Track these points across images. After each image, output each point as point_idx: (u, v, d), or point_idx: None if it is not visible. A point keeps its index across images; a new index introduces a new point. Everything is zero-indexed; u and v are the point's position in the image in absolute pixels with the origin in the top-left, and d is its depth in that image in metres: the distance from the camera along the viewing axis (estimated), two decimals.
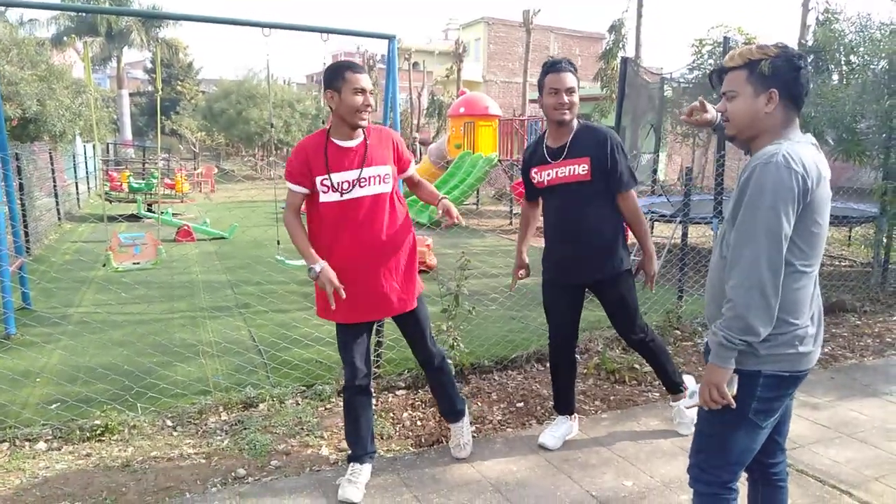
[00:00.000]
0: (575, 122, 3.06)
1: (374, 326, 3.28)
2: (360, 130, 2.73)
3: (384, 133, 2.86)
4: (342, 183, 2.67)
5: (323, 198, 2.69)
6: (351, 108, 2.62)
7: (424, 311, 3.02)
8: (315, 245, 2.74)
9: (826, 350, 4.89)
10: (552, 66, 3.00)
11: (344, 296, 2.65)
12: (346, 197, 2.68)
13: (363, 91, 2.62)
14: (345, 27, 5.84)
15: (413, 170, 3.00)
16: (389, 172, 2.77)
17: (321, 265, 2.64)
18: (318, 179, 2.67)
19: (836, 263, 8.02)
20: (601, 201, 3.06)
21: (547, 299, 3.32)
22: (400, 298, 2.85)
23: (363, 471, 2.89)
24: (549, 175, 3.08)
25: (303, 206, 2.81)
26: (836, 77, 6.76)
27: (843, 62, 6.72)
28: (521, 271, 3.40)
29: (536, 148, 3.19)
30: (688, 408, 3.33)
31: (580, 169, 3.01)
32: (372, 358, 3.91)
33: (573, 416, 3.42)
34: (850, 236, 8.77)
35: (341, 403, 3.07)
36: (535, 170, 3.13)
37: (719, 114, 2.31)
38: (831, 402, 3.89)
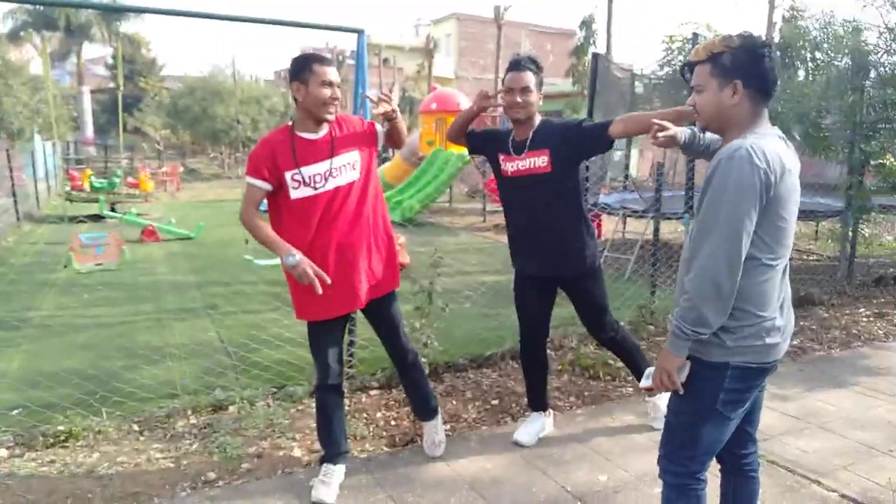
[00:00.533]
0: (537, 119, 3.06)
1: (347, 325, 3.24)
2: (322, 126, 2.68)
3: (345, 119, 2.80)
4: (314, 176, 2.62)
5: (294, 194, 2.63)
6: (318, 101, 2.57)
7: (397, 306, 3.00)
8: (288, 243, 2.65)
9: (795, 343, 4.99)
10: (512, 65, 3.02)
11: (329, 281, 2.56)
12: (319, 190, 2.63)
13: (330, 84, 2.58)
14: (313, 21, 5.73)
15: (381, 129, 2.91)
16: (358, 159, 2.73)
17: (299, 254, 2.54)
18: (289, 175, 2.61)
19: (805, 258, 8.22)
20: (564, 195, 3.05)
21: (517, 294, 3.32)
22: (381, 282, 2.84)
23: (336, 471, 2.85)
24: (513, 166, 3.08)
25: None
26: (801, 74, 6.90)
27: (808, 59, 6.87)
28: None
29: (504, 137, 3.16)
30: (642, 388, 3.36)
31: (540, 161, 3.00)
32: (344, 358, 3.88)
33: (547, 412, 3.42)
34: (817, 231, 8.98)
35: (313, 405, 3.02)
36: (502, 156, 3.12)
37: (687, 130, 2.33)
38: (800, 393, 3.97)
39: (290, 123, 2.71)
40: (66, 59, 30.96)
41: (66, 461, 3.10)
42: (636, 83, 8.89)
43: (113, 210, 11.94)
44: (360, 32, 5.40)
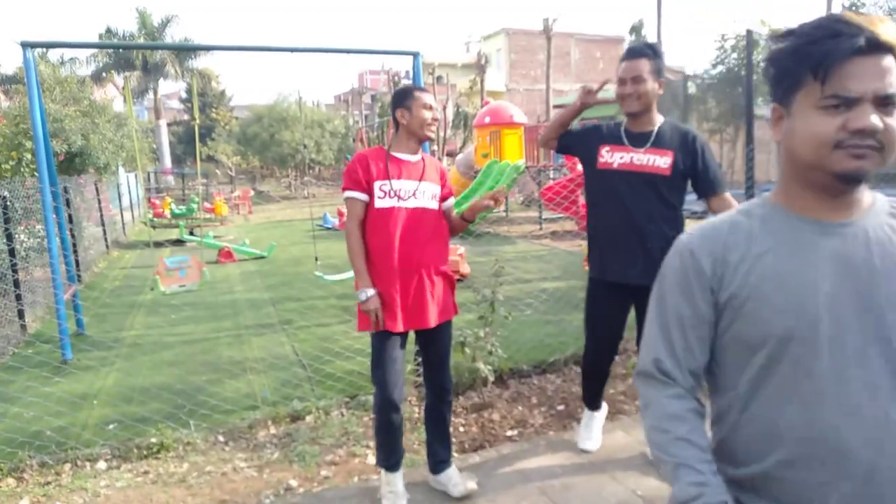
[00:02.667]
0: (657, 115, 2.88)
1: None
2: (419, 150, 2.86)
3: (434, 161, 2.97)
4: (400, 190, 2.73)
5: (379, 203, 2.70)
6: (421, 122, 2.77)
7: (451, 335, 2.99)
8: (373, 255, 2.74)
9: None
10: (626, 53, 2.82)
11: (382, 327, 2.71)
12: (402, 204, 2.72)
13: (430, 108, 2.80)
14: (369, 47, 5.95)
15: (451, 203, 2.96)
16: (438, 192, 2.85)
17: (371, 293, 2.68)
18: (378, 184, 2.71)
19: None
20: (671, 202, 2.84)
21: (591, 301, 3.08)
22: (442, 309, 2.85)
23: (398, 479, 2.89)
24: (622, 158, 2.83)
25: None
26: None
27: None
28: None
29: (612, 128, 2.95)
30: None
31: (662, 162, 2.78)
32: (412, 367, 3.99)
33: (601, 408, 3.39)
34: None
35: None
36: (606, 147, 2.88)
37: None
38: None
39: (388, 145, 2.86)
40: (144, 95, 32.91)
41: (159, 472, 3.32)
42: (689, 84, 8.71)
43: (192, 234, 12.61)
44: (416, 55, 5.60)
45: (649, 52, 2.77)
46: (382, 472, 2.91)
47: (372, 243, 2.74)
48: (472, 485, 2.93)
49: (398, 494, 2.85)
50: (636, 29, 16.76)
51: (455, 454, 3.35)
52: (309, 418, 3.85)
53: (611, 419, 3.61)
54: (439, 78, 26.63)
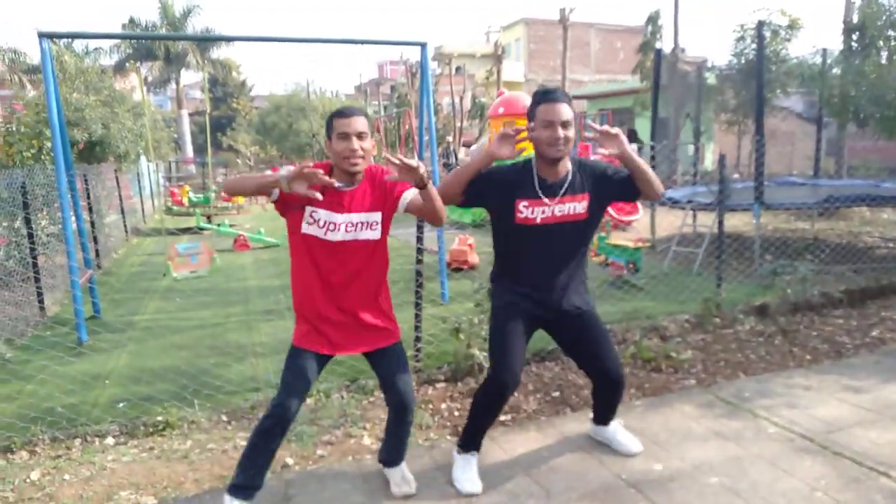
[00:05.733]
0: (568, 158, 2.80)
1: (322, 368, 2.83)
2: (357, 177, 2.58)
3: (378, 178, 2.65)
4: (329, 223, 2.55)
5: (305, 228, 2.57)
6: (337, 155, 2.51)
7: (398, 358, 2.79)
8: (295, 271, 2.70)
9: (874, 333, 4.77)
10: (544, 96, 2.69)
11: (320, 198, 2.42)
12: (328, 237, 2.57)
13: (347, 136, 2.47)
14: (382, 37, 6.04)
15: (411, 195, 2.62)
16: (378, 220, 2.63)
17: (285, 168, 2.44)
18: (308, 210, 2.54)
19: (891, 246, 7.72)
20: (587, 241, 2.92)
21: (501, 324, 2.87)
22: (377, 337, 2.73)
23: None
24: (544, 213, 2.76)
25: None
26: (885, 55, 6.53)
27: (892, 37, 6.49)
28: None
29: (523, 176, 2.79)
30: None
31: (580, 207, 2.78)
32: (411, 353, 4.07)
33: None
34: None
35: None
36: (524, 202, 2.75)
37: None
38: (875, 384, 3.81)
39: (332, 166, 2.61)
40: (167, 85, 33.35)
41: (164, 448, 3.45)
42: (707, 74, 8.64)
43: (209, 221, 12.82)
44: (423, 45, 5.68)
45: (567, 99, 2.70)
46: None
47: (295, 270, 2.65)
48: (407, 488, 2.89)
49: None
50: (653, 19, 16.59)
51: (447, 437, 3.44)
52: (309, 400, 3.95)
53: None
54: (457, 68, 26.61)
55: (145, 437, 3.59)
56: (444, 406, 3.84)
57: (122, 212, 12.05)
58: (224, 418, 3.79)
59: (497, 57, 23.19)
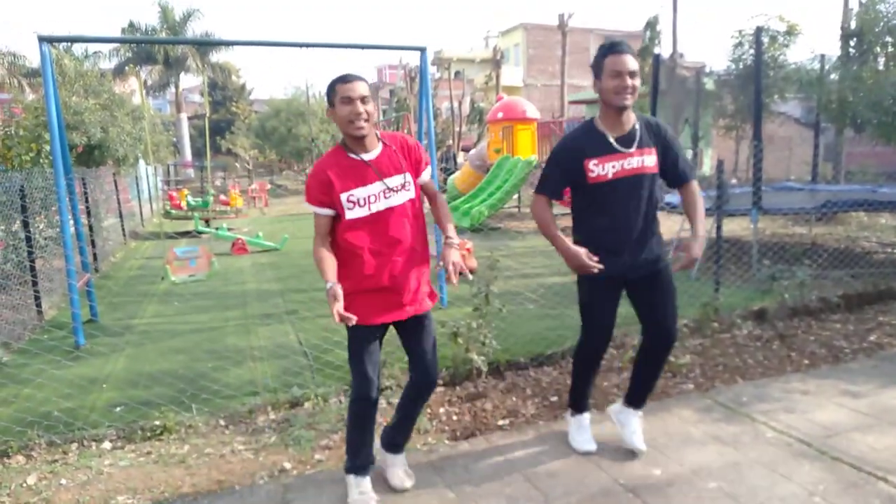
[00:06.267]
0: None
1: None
2: (375, 141, 2.66)
3: (398, 139, 2.78)
4: (368, 197, 2.61)
5: (349, 214, 2.62)
6: (342, 120, 2.56)
7: (433, 325, 2.89)
8: (346, 259, 2.68)
9: (871, 339, 4.77)
10: (611, 48, 2.79)
11: (353, 321, 2.46)
12: (373, 210, 2.62)
13: (351, 100, 2.51)
14: (381, 42, 6.07)
15: (427, 176, 2.81)
16: (410, 179, 2.72)
17: (331, 284, 2.52)
18: (344, 196, 2.60)
19: (888, 251, 7.73)
20: (657, 197, 2.96)
21: (591, 299, 3.05)
22: (419, 300, 2.79)
23: (367, 483, 2.83)
24: (614, 168, 2.83)
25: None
26: (881, 60, 6.56)
27: (888, 44, 6.52)
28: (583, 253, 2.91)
29: (590, 136, 2.89)
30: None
31: (649, 160, 2.85)
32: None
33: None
34: None
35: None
36: (593, 161, 2.83)
37: None
38: (873, 389, 3.81)
39: (341, 144, 2.69)
40: (166, 89, 33.39)
41: (161, 452, 3.44)
42: (705, 80, 8.66)
43: (207, 225, 12.82)
44: (422, 50, 5.69)
45: (632, 50, 2.81)
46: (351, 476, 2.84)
47: (354, 250, 2.66)
48: (409, 483, 2.93)
49: (370, 497, 2.79)
50: (651, 24, 16.64)
51: (445, 441, 3.44)
52: (307, 405, 3.96)
53: (602, 410, 3.66)
54: (457, 73, 26.67)
55: (143, 442, 3.59)
56: (442, 410, 3.83)
57: (121, 215, 12.04)
58: (222, 422, 3.79)
59: (496, 62, 23.26)
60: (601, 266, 2.83)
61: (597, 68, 2.83)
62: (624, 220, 2.89)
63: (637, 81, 2.79)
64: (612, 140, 2.84)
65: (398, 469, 2.96)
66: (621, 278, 2.98)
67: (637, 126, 2.88)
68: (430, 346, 2.83)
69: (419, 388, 2.87)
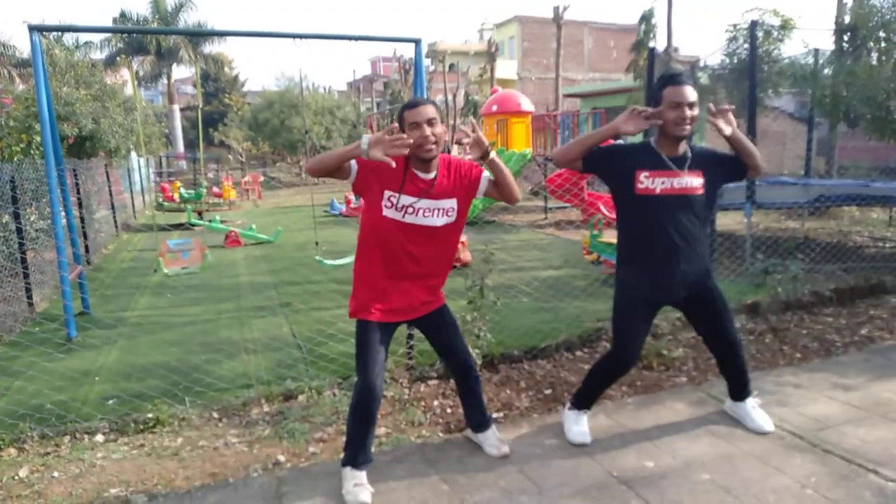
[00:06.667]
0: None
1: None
2: (433, 164, 2.74)
3: (456, 164, 2.85)
4: (407, 206, 2.70)
5: (385, 212, 2.71)
6: (412, 144, 2.62)
7: (451, 316, 3.03)
8: (365, 247, 2.80)
9: (863, 332, 4.80)
10: (671, 79, 2.92)
11: (394, 164, 2.55)
12: (406, 220, 2.71)
13: (419, 125, 2.63)
14: (375, 34, 6.02)
15: (489, 176, 2.87)
16: (455, 206, 2.79)
17: (366, 136, 2.55)
18: (387, 194, 2.69)
19: (880, 245, 7.78)
20: (705, 218, 3.05)
21: (627, 315, 3.10)
22: (430, 300, 2.91)
23: (363, 475, 2.85)
24: (664, 184, 2.94)
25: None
26: (874, 56, 6.57)
27: (882, 39, 6.53)
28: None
29: (646, 151, 3.01)
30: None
31: (697, 182, 2.96)
32: (403, 350, 4.07)
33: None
34: (890, 217, 8.49)
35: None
36: (644, 173, 2.94)
37: None
38: (864, 382, 3.84)
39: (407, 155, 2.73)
40: (158, 80, 33.12)
41: (154, 445, 3.43)
42: (700, 74, 8.66)
43: (200, 217, 12.76)
44: (417, 42, 5.65)
45: (692, 81, 3.04)
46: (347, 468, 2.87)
47: (377, 247, 2.76)
48: (505, 449, 3.12)
49: (366, 488, 2.82)
50: (646, 18, 16.62)
51: (440, 434, 3.44)
52: (301, 397, 3.94)
53: (596, 403, 3.66)
54: (451, 65, 26.60)
55: (135, 435, 3.57)
56: (436, 403, 3.83)
57: (113, 207, 11.97)
58: (215, 415, 3.77)
59: (491, 54, 23.22)
60: (649, 110, 2.90)
61: (656, 99, 2.94)
62: (668, 239, 2.96)
63: (696, 111, 2.89)
64: (665, 158, 2.96)
65: (492, 438, 3.16)
66: (660, 300, 3.12)
67: (689, 153, 3.01)
68: (457, 337, 2.99)
69: (464, 380, 3.08)
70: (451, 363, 3.07)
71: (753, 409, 3.35)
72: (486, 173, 2.85)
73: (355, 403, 2.83)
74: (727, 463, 2.97)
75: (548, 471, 2.99)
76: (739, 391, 3.35)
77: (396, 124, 2.68)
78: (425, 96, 4.24)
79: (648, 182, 2.93)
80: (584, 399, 3.32)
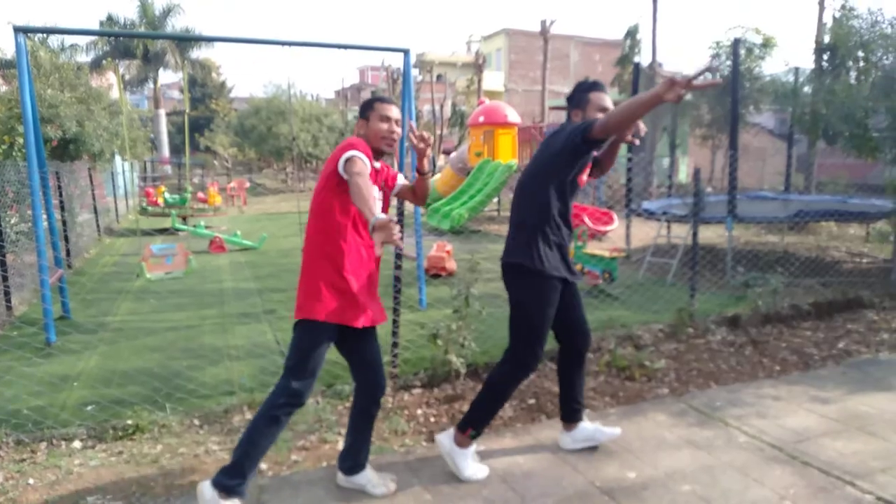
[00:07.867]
0: None
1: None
2: (378, 160, 2.85)
3: (381, 162, 2.95)
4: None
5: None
6: (376, 133, 2.77)
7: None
8: (347, 238, 2.73)
9: (840, 346, 4.88)
10: (593, 86, 3.07)
11: (402, 246, 2.68)
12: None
13: (388, 119, 2.78)
14: (364, 43, 6.05)
15: (402, 180, 3.01)
16: (381, 198, 2.93)
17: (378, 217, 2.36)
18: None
19: (857, 260, 7.92)
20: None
21: (548, 303, 2.98)
22: (381, 310, 2.91)
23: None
24: (586, 176, 3.17)
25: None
26: (853, 74, 6.72)
27: (860, 59, 6.69)
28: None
29: None
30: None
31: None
32: (388, 359, 4.06)
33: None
34: (867, 232, 8.65)
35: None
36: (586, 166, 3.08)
37: None
38: (841, 395, 3.90)
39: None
40: (144, 84, 32.84)
41: (133, 452, 3.38)
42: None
43: (184, 222, 12.66)
44: (405, 52, 5.69)
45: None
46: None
47: (355, 238, 2.73)
48: (392, 485, 2.94)
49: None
50: (631, 33, 16.84)
51: (423, 443, 3.43)
52: None
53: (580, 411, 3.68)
54: (439, 76, 26.73)
55: (114, 441, 3.52)
56: (419, 412, 3.83)
57: (96, 211, 11.83)
58: (196, 422, 3.74)
59: (478, 66, 23.36)
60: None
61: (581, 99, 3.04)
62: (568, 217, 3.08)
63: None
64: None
65: (373, 478, 2.94)
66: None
67: None
68: (378, 353, 2.94)
69: (372, 399, 2.91)
70: (375, 380, 2.91)
71: (593, 428, 3.29)
72: (400, 178, 3.00)
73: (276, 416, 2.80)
74: (707, 474, 3.00)
75: (531, 481, 2.99)
76: (577, 408, 3.29)
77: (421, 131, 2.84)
78: (413, 105, 4.29)
79: (584, 174, 3.10)
80: (481, 424, 3.07)
